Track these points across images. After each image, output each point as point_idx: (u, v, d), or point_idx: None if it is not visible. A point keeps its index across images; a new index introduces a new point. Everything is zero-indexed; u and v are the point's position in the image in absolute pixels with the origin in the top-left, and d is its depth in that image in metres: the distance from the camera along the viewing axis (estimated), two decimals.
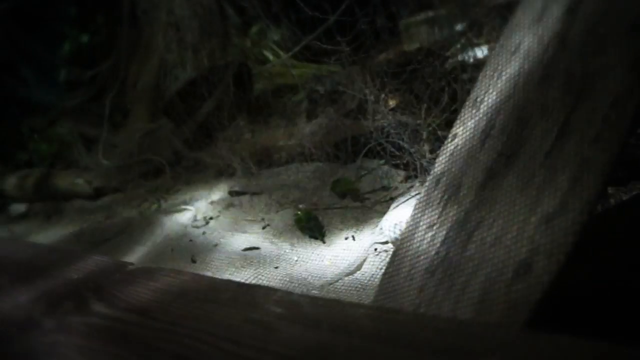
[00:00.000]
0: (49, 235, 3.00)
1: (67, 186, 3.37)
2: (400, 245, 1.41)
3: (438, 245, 1.24)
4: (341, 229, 1.99)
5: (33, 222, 3.24)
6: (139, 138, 3.35)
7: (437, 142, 1.92)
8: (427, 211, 1.34)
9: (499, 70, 1.28)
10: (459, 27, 3.01)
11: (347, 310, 0.92)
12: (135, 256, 2.34)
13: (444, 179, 1.34)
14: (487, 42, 2.89)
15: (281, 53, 3.76)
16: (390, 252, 1.74)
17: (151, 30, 3.59)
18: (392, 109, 2.27)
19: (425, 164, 1.90)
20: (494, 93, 1.26)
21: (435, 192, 1.34)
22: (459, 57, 2.85)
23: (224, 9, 3.11)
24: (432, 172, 1.40)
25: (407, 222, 1.45)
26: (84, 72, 3.94)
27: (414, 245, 1.34)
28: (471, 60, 2.79)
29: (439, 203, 1.31)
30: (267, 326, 0.90)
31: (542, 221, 0.93)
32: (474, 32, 2.92)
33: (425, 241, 1.30)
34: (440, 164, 1.37)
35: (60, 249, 1.71)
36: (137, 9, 3.74)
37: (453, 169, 1.32)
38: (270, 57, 3.78)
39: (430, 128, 1.99)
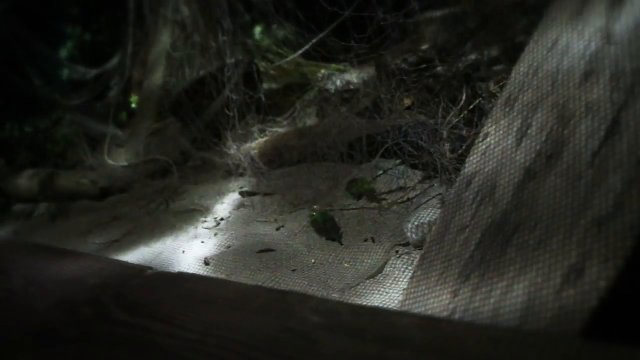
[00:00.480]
0: (55, 236, 2.94)
1: (72, 186, 3.31)
2: (429, 248, 1.37)
3: (472, 248, 1.19)
4: (359, 231, 1.94)
5: (38, 223, 3.19)
6: (145, 138, 3.29)
7: (459, 141, 1.87)
8: (457, 213, 1.30)
9: (534, 67, 1.23)
10: (472, 25, 2.96)
11: (392, 320, 0.86)
12: (145, 258, 2.29)
13: (476, 179, 1.29)
14: (501, 40, 2.85)
15: (285, 52, 3.71)
16: (413, 255, 1.69)
17: (158, 29, 3.53)
18: (408, 108, 2.23)
19: (446, 164, 1.85)
20: (530, 91, 1.22)
21: (467, 194, 1.30)
22: (472, 56, 2.80)
23: (232, 6, 3.06)
24: (461, 172, 1.35)
25: (436, 224, 1.40)
26: (88, 71, 3.89)
27: (445, 248, 1.29)
28: (485, 58, 2.74)
29: (471, 204, 1.27)
30: (306, 336, 0.84)
31: (593, 224, 0.88)
32: (488, 31, 2.87)
33: (457, 244, 1.25)
34: (472, 164, 1.32)
35: (73, 251, 1.64)
36: (144, 8, 3.69)
37: (486, 169, 1.27)
38: (277, 56, 3.73)
39: (450, 127, 1.95)
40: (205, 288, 1.13)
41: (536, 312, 0.93)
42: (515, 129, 1.22)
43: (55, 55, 4.46)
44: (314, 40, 3.10)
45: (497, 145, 1.26)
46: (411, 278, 1.42)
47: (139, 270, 1.30)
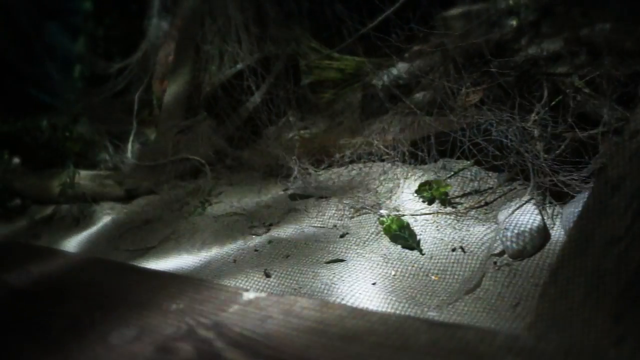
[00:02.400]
0: (81, 242, 2.73)
1: (95, 187, 3.10)
2: (564, 262, 1.19)
3: (636, 265, 1.02)
4: (440, 239, 1.76)
5: (60, 227, 2.97)
6: (174, 135, 3.09)
7: (556, 140, 1.69)
8: (603, 222, 1.12)
9: None
10: (530, 17, 2.79)
11: None
12: (191, 268, 2.09)
13: (627, 184, 1.11)
14: (561, 33, 2.68)
15: (317, 45, 3.52)
16: (514, 267, 1.51)
17: (184, 21, 3.33)
18: (482, 103, 2.05)
19: (542, 165, 1.67)
20: None
21: (615, 200, 1.12)
22: (531, 50, 2.63)
23: None
24: (602, 176, 1.18)
25: (570, 235, 1.22)
26: (110, 65, 3.67)
27: (591, 263, 1.12)
28: (544, 53, 2.57)
29: (623, 213, 1.09)
30: None
31: None
32: (547, 24, 2.71)
33: (609, 258, 1.08)
34: (617, 166, 1.15)
35: (136, 267, 1.44)
36: None
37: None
38: (309, 49, 3.54)
39: (539, 125, 1.77)
40: (336, 318, 0.93)
41: None
42: None
43: (68, 50, 4.25)
44: (357, 34, 2.93)
45: None
46: (541, 296, 1.24)
47: (233, 293, 1.10)
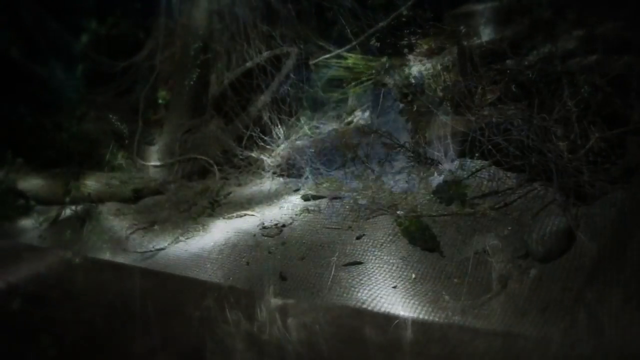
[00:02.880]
0: (87, 242, 2.68)
1: (100, 188, 3.05)
2: (599, 265, 1.15)
3: None
4: (462, 240, 1.72)
5: (65, 228, 2.91)
6: (180, 135, 3.04)
7: (582, 139, 1.65)
8: None
9: None
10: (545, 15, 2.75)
11: None
12: (204, 271, 2.04)
13: None
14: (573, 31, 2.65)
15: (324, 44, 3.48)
16: (539, 269, 1.47)
17: (191, 19, 3.28)
18: (500, 100, 2.01)
19: (566, 165, 1.63)
20: None
21: None
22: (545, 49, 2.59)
23: None
24: (639, 176, 1.13)
25: (602, 237, 1.18)
26: (116, 64, 3.61)
27: (629, 267, 1.07)
28: (559, 52, 2.53)
29: None
30: None
31: None
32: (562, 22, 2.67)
33: None
34: None
35: (151, 271, 1.41)
36: None
37: None
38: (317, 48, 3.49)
39: (561, 124, 1.73)
40: (376, 327, 0.90)
41: None
42: None
43: (71, 49, 4.19)
44: (368, 32, 2.88)
45: None
46: (576, 301, 1.21)
47: (260, 299, 1.07)
